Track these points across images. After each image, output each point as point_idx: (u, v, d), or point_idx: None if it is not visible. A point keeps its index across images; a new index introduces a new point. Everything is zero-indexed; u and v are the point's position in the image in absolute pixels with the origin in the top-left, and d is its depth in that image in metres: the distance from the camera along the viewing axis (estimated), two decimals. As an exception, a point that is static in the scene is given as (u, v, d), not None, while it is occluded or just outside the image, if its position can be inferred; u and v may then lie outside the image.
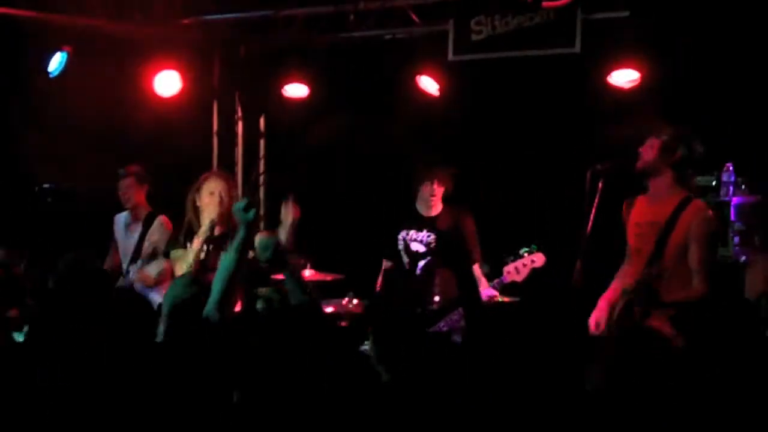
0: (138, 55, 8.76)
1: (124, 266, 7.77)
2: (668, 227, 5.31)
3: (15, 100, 8.16)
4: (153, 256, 7.42)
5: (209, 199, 6.05)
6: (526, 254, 6.28)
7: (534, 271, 6.30)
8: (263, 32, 9.48)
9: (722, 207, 7.15)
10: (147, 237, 7.66)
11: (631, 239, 5.54)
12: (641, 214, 5.50)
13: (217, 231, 6.00)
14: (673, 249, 5.29)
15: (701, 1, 6.97)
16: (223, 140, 10.40)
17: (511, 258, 6.31)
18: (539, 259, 6.28)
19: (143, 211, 7.83)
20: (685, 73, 7.21)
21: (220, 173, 6.47)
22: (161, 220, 7.71)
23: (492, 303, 6.38)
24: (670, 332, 5.22)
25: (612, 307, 5.46)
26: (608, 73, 7.55)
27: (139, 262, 7.58)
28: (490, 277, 6.54)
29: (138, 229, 7.78)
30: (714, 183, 7.22)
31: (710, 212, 5.38)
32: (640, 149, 5.45)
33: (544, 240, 8.02)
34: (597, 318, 5.52)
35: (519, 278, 6.28)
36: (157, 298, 6.83)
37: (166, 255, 6.31)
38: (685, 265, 5.32)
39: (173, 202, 7.52)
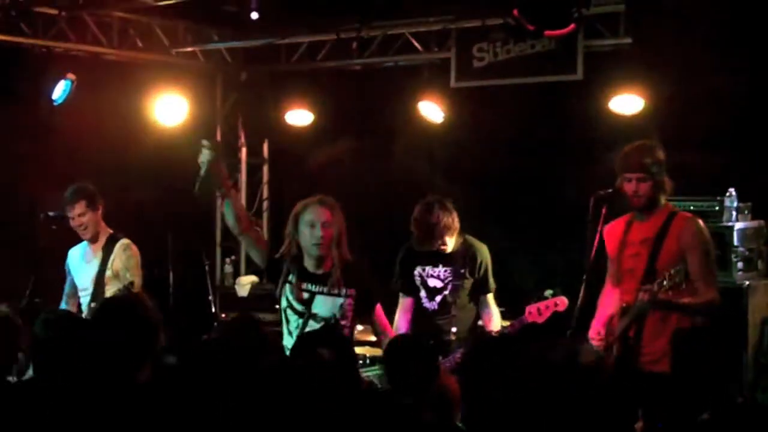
0: (141, 83, 8.78)
1: (84, 303, 6.62)
2: (659, 240, 5.32)
3: (18, 127, 8.15)
4: (117, 282, 6.43)
5: (308, 232, 5.42)
6: (550, 296, 6.24)
7: (555, 314, 6.24)
8: (266, 59, 9.53)
9: (725, 232, 7.17)
10: (108, 265, 6.54)
11: (625, 260, 5.51)
12: (631, 234, 5.49)
13: (321, 269, 5.47)
14: (666, 260, 5.27)
15: (702, 27, 6.99)
16: (226, 166, 10.41)
17: (535, 299, 6.25)
18: (562, 303, 6.23)
19: (103, 237, 6.63)
20: (687, 99, 7.22)
21: (322, 199, 5.52)
22: (125, 243, 6.61)
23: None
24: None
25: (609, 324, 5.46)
26: (610, 99, 7.57)
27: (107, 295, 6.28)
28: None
29: (97, 257, 6.63)
30: (717, 208, 7.24)
31: (700, 221, 5.39)
32: (634, 188, 5.36)
33: (546, 266, 8.03)
34: (597, 329, 5.50)
35: (540, 320, 6.22)
36: None
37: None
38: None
39: (176, 230, 7.53)
